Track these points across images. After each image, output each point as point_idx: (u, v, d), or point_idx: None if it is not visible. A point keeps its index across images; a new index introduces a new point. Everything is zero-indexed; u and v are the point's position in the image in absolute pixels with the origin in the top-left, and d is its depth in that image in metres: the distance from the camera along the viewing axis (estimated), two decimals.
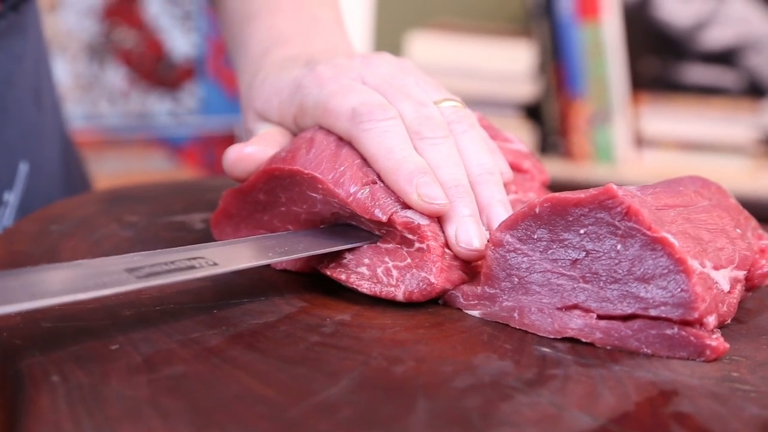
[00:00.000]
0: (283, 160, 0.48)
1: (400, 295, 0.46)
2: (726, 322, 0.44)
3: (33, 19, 0.69)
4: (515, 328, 0.44)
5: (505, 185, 0.50)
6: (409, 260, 0.46)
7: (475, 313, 0.45)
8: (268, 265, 0.50)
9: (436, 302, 0.47)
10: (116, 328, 0.41)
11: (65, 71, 2.04)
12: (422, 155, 0.48)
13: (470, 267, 0.47)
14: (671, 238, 0.41)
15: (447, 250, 0.46)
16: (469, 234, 0.46)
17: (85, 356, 0.38)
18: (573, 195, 0.43)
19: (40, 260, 0.49)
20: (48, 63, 0.75)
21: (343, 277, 0.47)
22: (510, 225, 0.44)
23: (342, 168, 0.47)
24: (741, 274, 0.45)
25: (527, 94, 1.97)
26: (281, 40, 0.59)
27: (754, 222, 0.51)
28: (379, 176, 0.47)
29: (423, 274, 0.45)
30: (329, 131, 0.50)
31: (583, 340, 0.42)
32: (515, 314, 0.44)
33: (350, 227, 0.48)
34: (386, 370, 0.38)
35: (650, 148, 1.99)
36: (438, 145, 0.48)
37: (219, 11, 0.68)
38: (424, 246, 0.45)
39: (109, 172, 1.99)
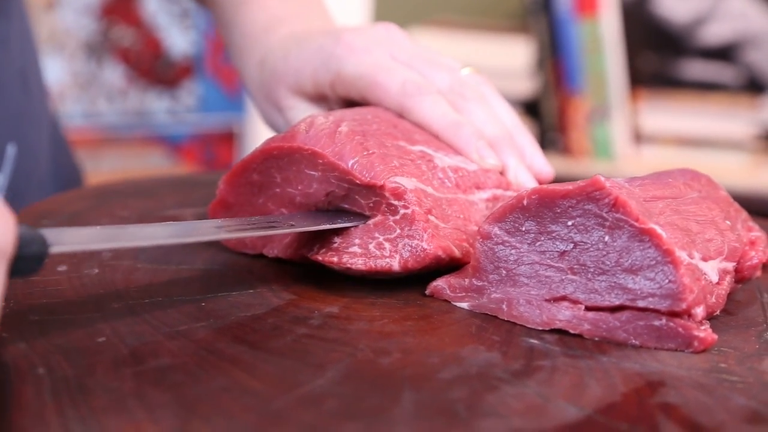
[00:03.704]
0: (283, 139, 0.49)
1: (396, 265, 0.46)
2: (715, 314, 0.44)
3: (16, 3, 0.69)
4: (504, 320, 0.44)
5: None
6: (398, 230, 0.46)
7: (464, 305, 0.45)
8: (258, 257, 0.50)
9: (425, 294, 0.47)
10: (104, 321, 0.41)
11: (63, 69, 2.04)
12: (468, 117, 0.55)
13: (458, 237, 0.48)
14: (659, 230, 0.41)
15: (431, 217, 0.47)
16: (524, 177, 0.55)
17: (71, 349, 0.38)
18: (561, 187, 0.43)
19: None
20: (34, 48, 0.75)
21: (335, 259, 0.47)
22: (498, 217, 0.44)
23: (341, 143, 0.48)
24: (730, 265, 0.45)
25: (526, 90, 1.96)
26: (278, 19, 0.63)
27: (744, 214, 0.51)
28: (376, 149, 0.48)
29: (415, 242, 0.46)
30: (326, 116, 0.50)
31: (571, 331, 0.42)
32: (503, 306, 0.44)
33: (340, 212, 0.49)
34: (373, 361, 0.38)
35: (649, 144, 1.98)
36: (478, 106, 0.55)
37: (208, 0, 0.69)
38: (408, 212, 0.46)
39: (107, 170, 1.99)
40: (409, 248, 0.46)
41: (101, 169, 2.01)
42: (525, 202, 0.43)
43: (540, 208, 0.43)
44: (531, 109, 1.99)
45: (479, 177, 0.52)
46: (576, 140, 1.96)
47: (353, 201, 0.48)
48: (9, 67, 0.67)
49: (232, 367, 0.37)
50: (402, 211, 0.46)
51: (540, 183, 0.55)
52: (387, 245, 0.46)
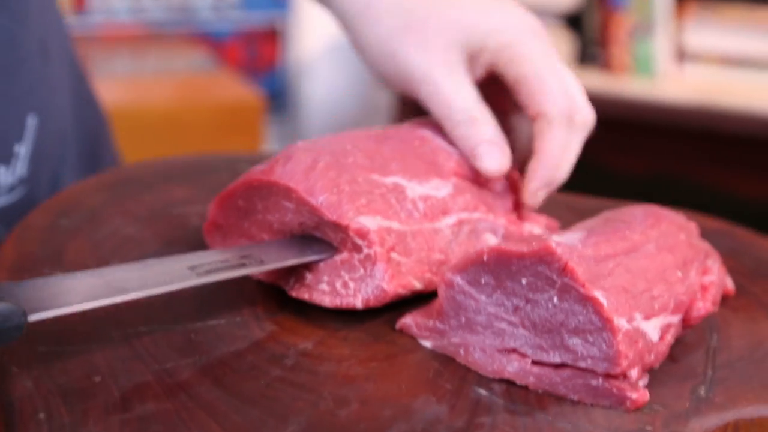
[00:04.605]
0: (262, 172, 0.53)
1: (358, 303, 0.51)
2: (655, 367, 0.48)
3: None
4: (460, 364, 0.49)
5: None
6: (361, 270, 0.51)
7: (428, 344, 0.50)
8: (248, 279, 0.55)
9: (395, 330, 0.51)
10: (102, 355, 0.46)
11: None
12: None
13: (420, 269, 0.52)
14: (601, 298, 0.45)
15: (393, 255, 0.51)
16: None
17: (70, 390, 0.43)
18: (516, 248, 0.46)
19: (45, 263, 0.54)
20: (56, 12, 0.78)
21: (306, 296, 0.52)
22: (460, 268, 0.48)
23: (314, 179, 0.52)
24: (675, 318, 0.49)
25: (568, 3, 1.94)
26: None
27: (703, 254, 0.54)
28: (347, 185, 0.52)
29: (376, 282, 0.51)
30: (306, 148, 0.54)
31: (518, 382, 0.47)
32: (461, 351, 0.49)
33: (312, 239, 0.53)
34: (332, 413, 0.43)
35: (692, 62, 1.96)
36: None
37: None
38: (371, 252, 0.51)
39: (151, 71, 2.02)
40: (371, 288, 0.50)
41: (145, 69, 2.04)
42: (485, 258, 0.47)
43: (497, 266, 0.47)
44: (573, 22, 1.97)
45: (447, 203, 0.55)
46: (617, 56, 1.94)
47: (324, 232, 0.52)
48: (28, 41, 0.70)
49: (207, 417, 0.42)
50: (365, 251, 0.51)
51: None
52: (351, 284, 0.51)
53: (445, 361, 0.49)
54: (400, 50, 0.59)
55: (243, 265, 0.50)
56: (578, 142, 0.60)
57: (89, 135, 0.83)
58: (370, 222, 0.51)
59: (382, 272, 0.50)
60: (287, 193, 0.52)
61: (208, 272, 0.48)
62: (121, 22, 2.19)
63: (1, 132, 0.67)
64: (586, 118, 0.60)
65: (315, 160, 0.53)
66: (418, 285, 0.52)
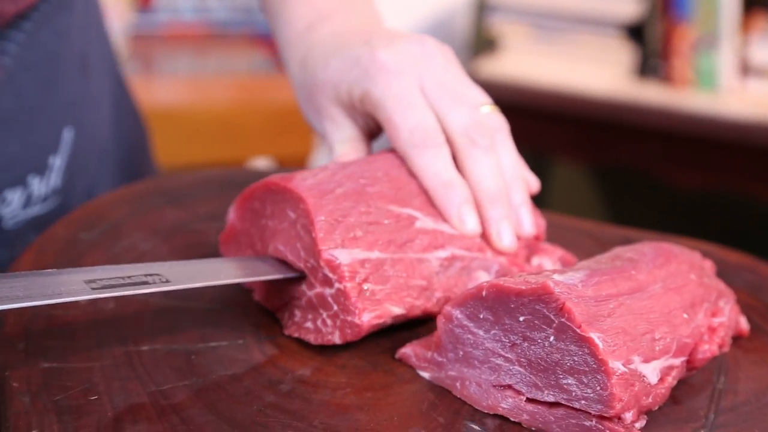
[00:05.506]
0: (282, 178, 0.54)
1: (337, 339, 0.51)
2: (654, 409, 0.47)
3: None
4: (456, 397, 0.48)
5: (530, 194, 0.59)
6: (335, 307, 0.51)
7: (426, 375, 0.50)
8: (256, 301, 0.56)
9: (395, 359, 0.51)
10: (102, 373, 0.47)
11: None
12: (471, 165, 0.57)
13: (399, 295, 0.52)
14: (596, 339, 0.44)
15: (366, 286, 0.51)
16: (506, 237, 0.57)
17: (66, 408, 0.44)
18: (515, 285, 0.46)
19: None
20: (101, 26, 0.80)
21: (296, 334, 0.52)
22: (460, 303, 0.48)
23: (327, 201, 0.52)
24: (677, 361, 0.48)
25: (630, 13, 1.91)
26: (322, 15, 0.65)
27: (715, 294, 0.53)
28: (354, 216, 0.52)
29: (350, 318, 0.51)
30: (335, 171, 0.54)
31: (512, 419, 0.47)
32: (457, 384, 0.48)
33: (276, 262, 0.54)
34: None
35: (757, 77, 1.92)
36: (486, 155, 0.58)
37: None
38: (341, 287, 0.51)
39: (212, 70, 2.04)
40: (347, 324, 0.50)
41: (207, 69, 2.07)
42: (484, 293, 0.47)
43: (496, 301, 0.47)
44: (635, 33, 1.94)
45: (452, 239, 0.55)
46: (679, 69, 1.91)
47: (299, 257, 0.52)
48: (69, 56, 0.72)
49: None
50: (336, 286, 0.51)
51: (520, 240, 0.57)
52: (329, 321, 0.51)
53: (441, 393, 0.49)
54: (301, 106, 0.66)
55: (145, 284, 0.48)
56: (479, 147, 0.57)
57: (128, 147, 0.85)
58: (344, 256, 0.51)
59: (352, 308, 0.50)
60: (297, 202, 0.52)
61: (105, 287, 0.46)
62: (186, 21, 2.22)
63: (36, 144, 0.69)
64: (466, 123, 0.57)
65: (338, 184, 0.53)
66: (396, 310, 0.52)
